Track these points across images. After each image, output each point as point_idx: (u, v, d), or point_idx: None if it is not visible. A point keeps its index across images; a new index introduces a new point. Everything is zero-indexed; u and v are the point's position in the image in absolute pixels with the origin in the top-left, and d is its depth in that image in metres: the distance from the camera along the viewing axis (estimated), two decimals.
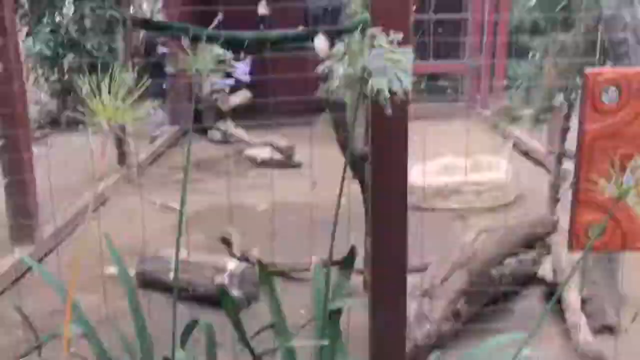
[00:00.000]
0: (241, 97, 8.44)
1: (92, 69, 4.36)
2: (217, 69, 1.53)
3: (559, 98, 3.34)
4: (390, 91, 1.38)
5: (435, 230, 4.46)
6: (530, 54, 3.35)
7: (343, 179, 1.58)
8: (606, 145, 1.57)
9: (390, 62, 1.39)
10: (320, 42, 5.63)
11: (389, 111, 1.37)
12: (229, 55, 1.53)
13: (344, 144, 2.99)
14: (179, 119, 8.08)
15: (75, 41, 4.23)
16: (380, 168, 1.62)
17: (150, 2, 11.31)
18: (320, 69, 1.45)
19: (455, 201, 4.96)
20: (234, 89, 8.28)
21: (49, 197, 4.75)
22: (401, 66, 1.40)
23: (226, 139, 7.86)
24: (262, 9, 8.47)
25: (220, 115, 8.11)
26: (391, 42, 1.40)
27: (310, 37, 4.91)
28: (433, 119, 8.42)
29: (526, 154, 6.37)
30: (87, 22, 4.39)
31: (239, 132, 7.59)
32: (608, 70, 1.60)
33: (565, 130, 3.51)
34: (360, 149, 2.92)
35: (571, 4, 3.04)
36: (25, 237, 3.70)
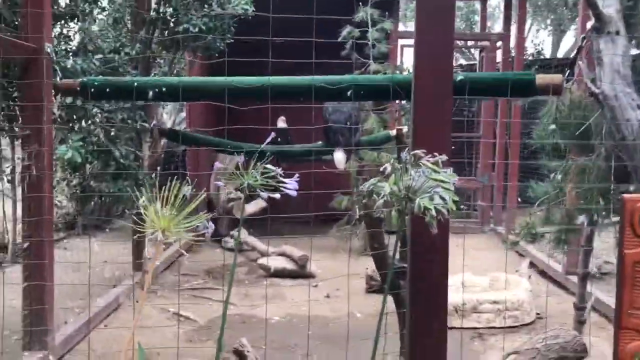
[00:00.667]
0: (256, 206, 8.53)
1: (116, 176, 4.45)
2: (268, 185, 1.58)
3: (581, 219, 3.36)
4: (435, 209, 1.41)
5: (454, 350, 4.35)
6: (552, 175, 3.41)
7: (385, 299, 1.57)
8: None
9: (435, 183, 1.43)
10: (339, 156, 5.78)
11: (434, 230, 1.39)
12: (278, 171, 1.58)
13: (380, 259, 2.98)
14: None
15: (104, 149, 4.36)
16: (422, 283, 1.62)
17: (172, 113, 11.80)
18: (366, 186, 1.49)
19: (474, 320, 4.85)
20: (249, 198, 8.39)
21: (63, 302, 4.74)
22: (445, 186, 1.43)
23: (240, 247, 7.88)
24: (282, 123, 8.74)
25: (235, 223, 8.18)
26: (436, 164, 1.44)
27: (329, 151, 5.06)
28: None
29: (543, 273, 6.31)
30: (117, 131, 4.56)
31: (253, 241, 7.60)
32: None
33: (588, 252, 3.50)
34: (397, 263, 2.91)
35: (592, 129, 3.14)
36: (37, 342, 3.62)
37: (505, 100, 8.64)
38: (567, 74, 3.03)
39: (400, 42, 8.78)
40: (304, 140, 4.74)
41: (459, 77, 3.10)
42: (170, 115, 11.96)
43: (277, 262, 6.62)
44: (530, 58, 11.03)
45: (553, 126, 3.26)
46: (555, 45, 12.26)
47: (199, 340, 4.65)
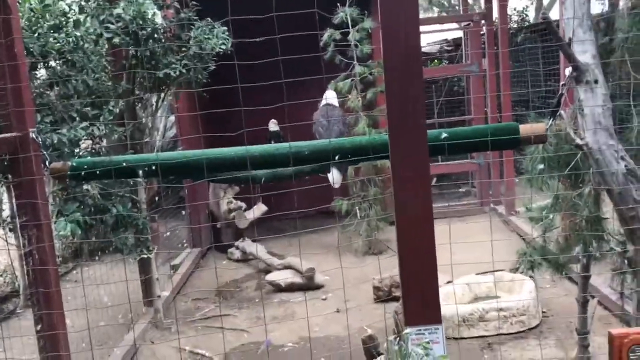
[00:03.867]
0: (257, 211, 8.61)
1: (115, 227, 4.46)
2: None
3: (577, 250, 3.42)
4: None
5: None
6: (544, 211, 3.46)
7: None
8: None
9: None
10: (335, 176, 5.81)
11: None
12: None
13: None
14: (199, 241, 8.23)
15: (101, 208, 4.40)
16: None
17: (160, 119, 11.71)
18: None
19: (483, 329, 4.97)
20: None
21: (79, 346, 4.84)
22: None
23: (245, 257, 7.98)
24: (273, 126, 8.73)
25: (239, 232, 8.26)
26: (427, 344, 1.50)
27: (324, 170, 5.09)
28: (447, 217, 8.55)
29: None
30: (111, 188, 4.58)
31: (258, 250, 7.69)
32: (633, 331, 1.69)
33: (586, 278, 3.57)
34: None
35: (580, 166, 3.17)
36: None
37: (493, 79, 8.61)
38: (549, 121, 3.04)
39: None
40: (297, 140, 4.78)
41: (443, 135, 3.13)
42: (161, 120, 11.90)
43: (284, 277, 6.72)
44: (515, 26, 10.92)
45: (541, 166, 3.29)
46: (539, 8, 12.10)
47: None
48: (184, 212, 8.29)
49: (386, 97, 1.97)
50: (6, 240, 5.97)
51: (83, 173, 3.51)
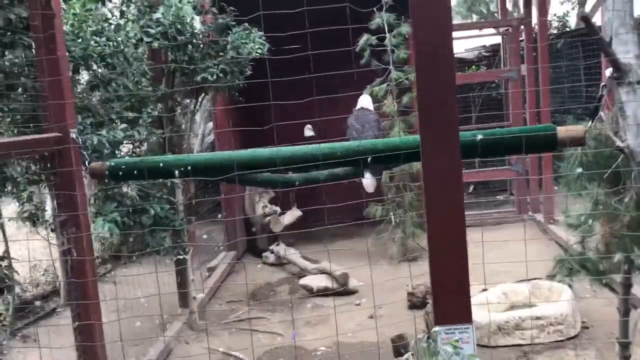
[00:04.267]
0: (291, 216, 8.64)
1: (153, 229, 4.52)
2: None
3: (617, 256, 3.32)
4: None
5: None
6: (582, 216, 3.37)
7: None
8: None
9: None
10: (368, 182, 5.78)
11: None
12: None
13: None
14: (234, 245, 8.30)
15: (139, 209, 4.47)
16: None
17: (200, 123, 11.87)
18: None
19: (519, 337, 4.86)
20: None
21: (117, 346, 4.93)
22: None
23: (280, 261, 8.01)
24: (309, 132, 8.78)
25: (274, 237, 8.30)
26: (457, 342, 1.47)
27: (358, 174, 5.08)
28: (484, 225, 8.43)
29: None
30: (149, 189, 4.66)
31: (292, 255, 7.71)
32: None
33: (627, 286, 3.47)
34: None
35: (621, 171, 3.08)
36: None
37: (531, 85, 8.46)
38: (589, 123, 2.97)
39: None
40: None
41: (479, 137, 3.09)
42: (200, 126, 12.07)
43: (318, 282, 6.72)
44: (555, 32, 10.73)
45: (579, 169, 3.21)
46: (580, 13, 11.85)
47: None
48: (220, 216, 8.38)
49: (417, 94, 1.95)
50: (48, 240, 6.12)
51: (121, 173, 3.59)
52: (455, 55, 12.17)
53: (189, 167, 3.50)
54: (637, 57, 2.83)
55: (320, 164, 3.72)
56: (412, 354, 1.54)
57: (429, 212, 1.73)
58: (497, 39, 10.29)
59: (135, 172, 3.58)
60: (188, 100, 5.55)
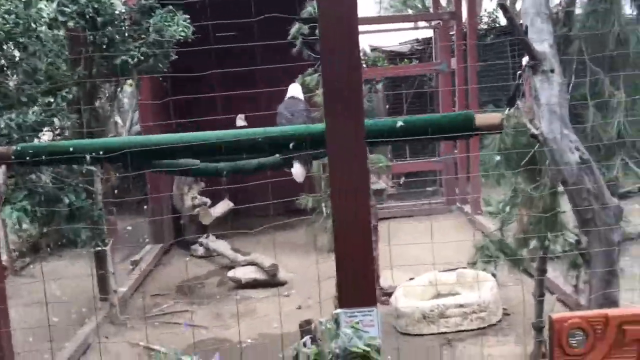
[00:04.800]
0: (222, 208, 8.48)
1: (69, 218, 4.30)
2: None
3: (533, 243, 3.39)
4: None
5: None
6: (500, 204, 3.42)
7: None
8: None
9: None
10: (297, 170, 5.70)
11: None
12: None
13: None
14: (161, 237, 8.07)
15: (52, 198, 4.24)
16: None
17: (129, 112, 11.49)
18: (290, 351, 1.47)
19: (443, 325, 4.92)
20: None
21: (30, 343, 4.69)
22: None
23: (209, 254, 7.84)
24: (240, 122, 8.62)
25: (203, 228, 8.11)
26: (357, 324, 1.42)
27: (287, 164, 4.99)
28: (414, 216, 8.53)
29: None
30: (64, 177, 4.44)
31: (222, 247, 7.56)
32: (572, 315, 1.64)
33: (542, 272, 3.55)
34: None
35: (537, 158, 3.13)
36: None
37: (462, 77, 8.61)
38: (506, 111, 3.00)
39: None
40: None
41: (399, 124, 3.07)
42: (128, 114, 11.69)
43: (247, 273, 6.61)
44: (485, 27, 10.97)
45: (498, 158, 3.25)
46: (512, 8, 12.18)
47: None
48: (145, 207, 8.12)
49: (322, 81, 1.90)
50: None
51: (28, 158, 3.37)
52: (389, 49, 12.22)
53: (101, 152, 3.31)
54: (551, 46, 2.87)
55: (243, 151, 3.58)
56: (311, 338, 1.48)
57: (333, 195, 1.68)
58: (430, 33, 10.42)
59: (44, 156, 3.37)
60: (109, 85, 5.32)
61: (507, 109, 2.94)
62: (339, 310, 1.56)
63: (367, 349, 1.42)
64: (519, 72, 2.98)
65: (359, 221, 1.67)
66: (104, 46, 4.82)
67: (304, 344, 1.57)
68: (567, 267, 3.45)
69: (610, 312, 1.63)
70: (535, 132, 2.83)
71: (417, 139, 2.93)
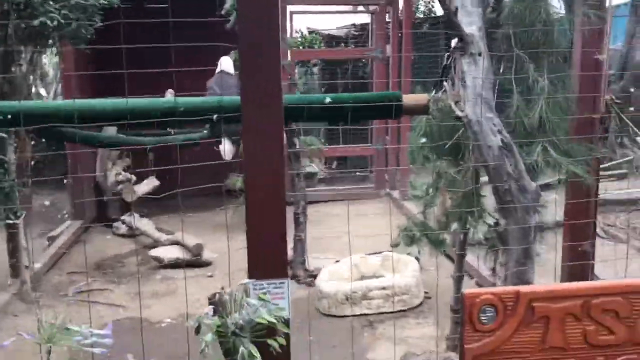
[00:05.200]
0: (147, 185, 8.21)
1: None
2: None
3: (454, 226, 3.42)
4: None
5: (343, 341, 4.43)
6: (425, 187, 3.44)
7: None
8: None
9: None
10: (226, 147, 5.55)
11: None
12: None
13: None
14: (81, 214, 7.74)
15: None
16: None
17: (50, 88, 10.95)
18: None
19: (365, 307, 4.95)
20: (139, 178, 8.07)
21: None
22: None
23: (132, 233, 7.58)
24: (170, 96, 8.34)
25: (126, 206, 7.84)
26: (265, 295, 1.36)
27: (214, 137, 4.86)
28: (344, 200, 8.56)
29: None
30: None
31: (146, 225, 7.33)
32: (484, 291, 1.64)
33: (461, 255, 3.60)
34: None
35: (461, 145, 3.15)
36: None
37: (396, 64, 8.67)
38: (433, 92, 3.00)
39: (290, 8, 8.51)
40: None
41: (327, 99, 3.01)
42: (52, 85, 11.14)
43: (170, 253, 6.43)
44: (421, 16, 11.09)
45: (424, 139, 3.25)
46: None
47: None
48: (66, 182, 7.76)
49: (239, 49, 1.83)
50: None
51: None
52: (326, 32, 12.10)
53: (9, 116, 3.10)
54: (479, 29, 2.88)
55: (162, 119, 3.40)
56: (214, 309, 1.41)
57: (247, 164, 1.61)
58: (367, 18, 10.42)
59: None
60: (27, 49, 5.00)
61: (434, 91, 2.94)
62: (246, 281, 1.49)
63: (273, 320, 1.36)
64: (446, 53, 2.98)
65: (272, 191, 1.60)
66: (21, 6, 4.53)
67: (207, 315, 1.49)
68: (485, 251, 3.51)
69: (522, 288, 1.63)
70: (460, 114, 2.84)
71: (345, 116, 2.89)
